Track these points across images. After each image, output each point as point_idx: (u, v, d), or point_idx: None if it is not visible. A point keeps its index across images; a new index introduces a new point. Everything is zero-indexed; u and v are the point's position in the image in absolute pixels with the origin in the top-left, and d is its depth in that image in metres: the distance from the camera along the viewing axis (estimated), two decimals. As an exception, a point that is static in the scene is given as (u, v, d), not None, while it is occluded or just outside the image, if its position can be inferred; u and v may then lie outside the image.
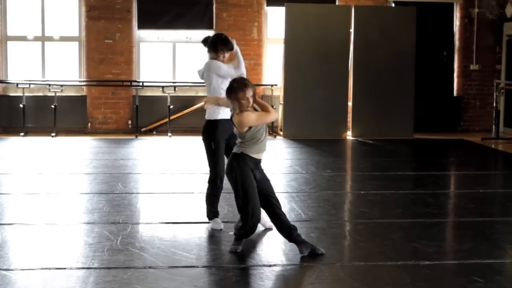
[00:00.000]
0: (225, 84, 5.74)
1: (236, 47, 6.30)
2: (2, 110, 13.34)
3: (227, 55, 6.29)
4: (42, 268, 4.96)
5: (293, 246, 5.63)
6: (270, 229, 6.04)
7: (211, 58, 6.31)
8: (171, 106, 13.14)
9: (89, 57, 13.59)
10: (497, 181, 9.42)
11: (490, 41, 14.47)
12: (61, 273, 4.88)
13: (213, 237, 5.94)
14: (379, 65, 13.27)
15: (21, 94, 13.11)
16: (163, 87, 13.26)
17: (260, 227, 6.11)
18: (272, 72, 14.00)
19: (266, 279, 4.86)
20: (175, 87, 13.27)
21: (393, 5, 14.21)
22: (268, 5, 13.92)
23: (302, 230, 6.09)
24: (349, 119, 13.36)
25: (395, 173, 9.48)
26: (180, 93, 13.57)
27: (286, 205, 7.06)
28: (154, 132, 13.55)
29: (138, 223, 6.37)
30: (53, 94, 13.09)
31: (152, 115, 13.55)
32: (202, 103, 13.56)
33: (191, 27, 13.81)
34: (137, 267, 5.03)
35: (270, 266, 5.09)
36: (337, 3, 14.01)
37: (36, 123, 13.32)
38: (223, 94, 5.77)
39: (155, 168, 9.53)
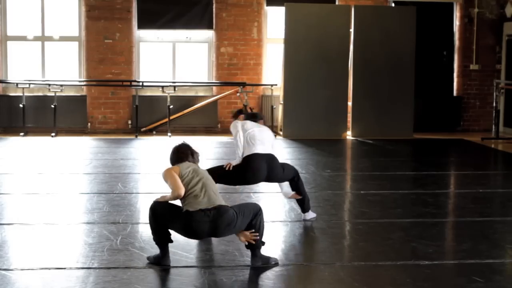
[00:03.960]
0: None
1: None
2: (2, 110, 13.33)
3: None
4: (42, 268, 4.96)
5: (293, 246, 5.64)
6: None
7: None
8: (171, 106, 13.14)
9: (89, 57, 13.59)
10: (497, 181, 9.42)
11: (490, 41, 14.47)
12: (61, 273, 4.88)
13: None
14: (379, 65, 13.27)
15: (21, 94, 13.10)
16: (163, 87, 13.25)
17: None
18: (272, 72, 14.00)
19: (266, 279, 4.86)
20: (175, 87, 13.27)
21: (393, 5, 14.21)
22: (268, 5, 13.92)
23: (302, 230, 6.10)
24: (349, 119, 13.36)
25: (395, 173, 9.48)
26: (179, 93, 13.57)
27: (286, 205, 7.06)
28: (154, 132, 13.55)
29: (138, 223, 6.37)
30: (53, 94, 13.08)
31: (152, 115, 13.55)
32: (198, 105, 13.64)
33: (191, 27, 13.81)
34: (137, 267, 5.03)
35: (270, 266, 5.09)
36: (337, 3, 14.01)
37: (36, 123, 13.32)
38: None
39: (155, 168, 9.51)
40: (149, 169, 9.47)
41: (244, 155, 6.30)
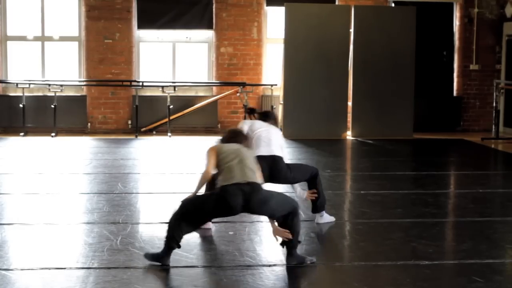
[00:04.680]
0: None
1: None
2: (2, 110, 13.33)
3: None
4: (42, 268, 4.96)
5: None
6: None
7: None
8: (171, 106, 13.14)
9: (89, 57, 13.59)
10: (497, 181, 9.42)
11: (490, 41, 14.47)
12: (61, 273, 4.88)
13: (213, 237, 5.94)
14: (379, 65, 13.27)
15: (21, 94, 13.10)
16: (163, 87, 13.25)
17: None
18: (272, 72, 14.00)
19: (266, 279, 4.86)
20: (174, 87, 13.27)
21: (393, 5, 14.21)
22: (268, 5, 13.92)
23: (302, 230, 6.07)
24: (349, 119, 13.36)
25: (395, 173, 9.48)
26: (179, 93, 13.57)
27: (286, 205, 7.04)
28: (154, 132, 13.55)
29: (138, 223, 6.37)
30: (53, 94, 13.08)
31: (152, 115, 13.54)
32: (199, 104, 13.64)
33: (190, 27, 13.81)
34: (137, 267, 5.03)
35: (270, 266, 5.09)
36: (337, 3, 14.01)
37: (36, 123, 13.32)
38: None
39: (155, 168, 9.52)
40: (149, 169, 9.47)
41: None
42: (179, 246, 5.09)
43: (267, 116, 6.72)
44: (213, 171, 5.11)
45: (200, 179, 5.16)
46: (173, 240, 5.04)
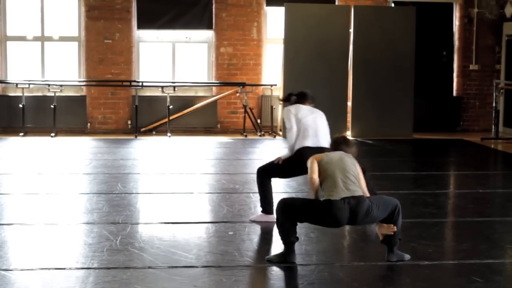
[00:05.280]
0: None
1: None
2: (1, 110, 13.32)
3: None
4: (42, 268, 4.96)
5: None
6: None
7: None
8: (171, 106, 13.14)
9: (89, 57, 13.59)
10: (497, 181, 9.42)
11: (489, 41, 14.47)
12: (61, 273, 4.87)
13: (213, 237, 5.94)
14: (379, 65, 13.26)
15: (20, 94, 13.10)
16: (162, 87, 13.25)
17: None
18: (272, 72, 14.00)
19: (266, 279, 4.86)
20: (174, 87, 13.27)
21: (393, 5, 14.21)
22: (267, 5, 13.91)
23: (302, 230, 6.08)
24: (349, 119, 13.36)
25: (395, 173, 9.48)
26: (179, 93, 13.56)
27: (285, 205, 7.04)
28: (154, 132, 13.55)
29: (137, 223, 6.37)
30: (52, 94, 13.08)
31: (152, 115, 13.54)
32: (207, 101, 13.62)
33: (190, 27, 13.80)
34: (136, 267, 5.03)
35: (270, 266, 5.09)
36: (336, 3, 14.01)
37: (35, 123, 13.31)
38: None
39: (155, 168, 9.52)
40: (149, 169, 9.47)
41: (296, 146, 6.25)
42: (297, 239, 5.17)
43: (304, 98, 6.60)
44: (317, 178, 5.19)
45: (311, 189, 5.26)
46: (289, 236, 5.10)
